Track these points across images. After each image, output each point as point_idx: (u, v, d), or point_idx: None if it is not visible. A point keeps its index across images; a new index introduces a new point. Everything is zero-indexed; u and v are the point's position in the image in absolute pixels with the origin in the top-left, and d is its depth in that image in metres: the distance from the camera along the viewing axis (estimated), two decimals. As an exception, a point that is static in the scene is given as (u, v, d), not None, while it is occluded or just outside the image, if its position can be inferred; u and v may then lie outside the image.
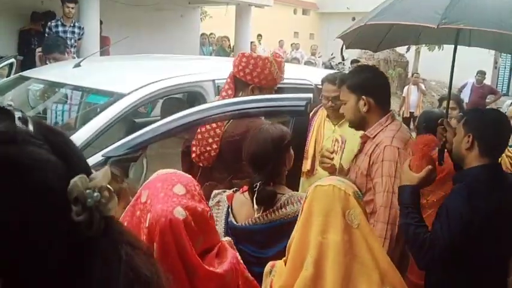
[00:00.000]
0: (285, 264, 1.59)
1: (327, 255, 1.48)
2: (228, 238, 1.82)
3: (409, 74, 15.42)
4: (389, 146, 2.28)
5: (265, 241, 2.02)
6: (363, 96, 2.37)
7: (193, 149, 2.71)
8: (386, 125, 2.38)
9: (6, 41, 8.18)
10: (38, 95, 3.59)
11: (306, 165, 3.21)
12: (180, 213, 1.33)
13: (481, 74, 10.71)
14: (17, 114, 0.63)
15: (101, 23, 8.55)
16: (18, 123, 0.62)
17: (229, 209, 2.12)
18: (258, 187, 2.01)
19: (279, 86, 2.87)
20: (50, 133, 0.64)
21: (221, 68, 3.36)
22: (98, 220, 0.61)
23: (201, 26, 13.21)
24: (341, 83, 2.55)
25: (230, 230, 2.07)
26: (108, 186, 0.64)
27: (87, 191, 0.61)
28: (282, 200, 2.03)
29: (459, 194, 2.09)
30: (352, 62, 10.92)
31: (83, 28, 6.75)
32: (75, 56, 5.80)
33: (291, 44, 16.53)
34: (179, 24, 11.89)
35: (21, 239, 0.57)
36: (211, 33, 13.74)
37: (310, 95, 2.51)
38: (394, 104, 10.16)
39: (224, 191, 2.20)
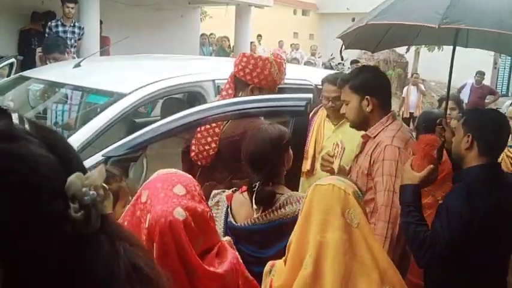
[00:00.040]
0: (285, 264, 1.59)
1: (326, 254, 1.48)
2: (228, 238, 1.81)
3: (409, 75, 15.44)
4: (390, 145, 2.28)
5: (264, 241, 2.02)
6: (367, 97, 2.38)
7: (192, 147, 2.72)
8: (387, 125, 2.39)
9: (6, 41, 8.17)
10: (38, 95, 3.58)
11: (306, 165, 3.21)
12: (180, 214, 1.33)
13: (480, 74, 10.75)
14: (14, 114, 0.64)
15: (101, 23, 8.55)
16: (16, 122, 0.63)
17: (229, 209, 2.12)
18: (256, 187, 2.01)
19: (279, 86, 2.88)
20: (46, 132, 0.65)
21: (221, 68, 3.36)
22: (95, 217, 0.62)
23: (201, 26, 13.20)
24: (342, 84, 2.54)
25: (229, 230, 2.07)
26: (104, 184, 0.65)
27: (84, 188, 0.61)
28: (281, 200, 2.03)
29: (459, 193, 2.10)
30: (352, 62, 10.94)
31: (83, 28, 6.75)
32: (75, 56, 5.79)
33: (291, 45, 16.50)
34: (179, 25, 11.88)
35: (21, 239, 0.57)
36: (211, 34, 13.73)
37: (310, 95, 2.52)
38: (394, 105, 10.10)
39: (223, 191, 2.20)
